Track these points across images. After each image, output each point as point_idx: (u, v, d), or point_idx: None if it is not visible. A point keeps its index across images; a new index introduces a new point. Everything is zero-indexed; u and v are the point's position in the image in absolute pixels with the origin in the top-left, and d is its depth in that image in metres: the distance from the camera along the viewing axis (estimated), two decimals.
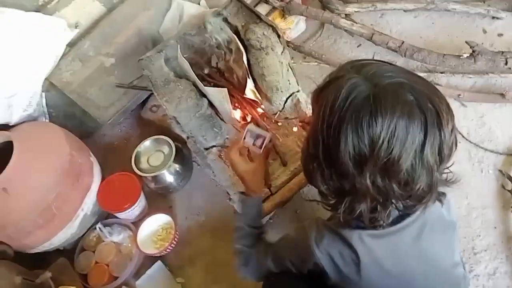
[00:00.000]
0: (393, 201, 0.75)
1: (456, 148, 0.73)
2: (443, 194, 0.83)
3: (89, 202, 1.61)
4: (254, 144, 1.12)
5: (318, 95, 0.76)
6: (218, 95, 1.46)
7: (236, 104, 1.59)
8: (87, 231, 1.67)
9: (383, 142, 0.66)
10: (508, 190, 1.48)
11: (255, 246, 1.13)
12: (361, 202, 0.74)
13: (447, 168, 0.77)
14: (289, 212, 1.62)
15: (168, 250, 1.59)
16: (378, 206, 0.75)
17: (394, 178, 0.70)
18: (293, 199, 1.59)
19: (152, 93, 1.97)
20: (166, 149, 1.75)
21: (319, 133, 0.73)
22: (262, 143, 1.12)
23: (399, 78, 0.69)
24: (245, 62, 1.54)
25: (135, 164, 1.71)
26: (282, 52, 1.53)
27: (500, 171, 1.53)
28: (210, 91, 1.47)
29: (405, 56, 1.79)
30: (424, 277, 0.86)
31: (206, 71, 1.63)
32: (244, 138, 1.13)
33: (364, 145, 0.67)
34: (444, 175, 0.78)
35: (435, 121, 0.67)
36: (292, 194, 1.56)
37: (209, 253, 1.62)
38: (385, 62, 0.76)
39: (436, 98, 0.69)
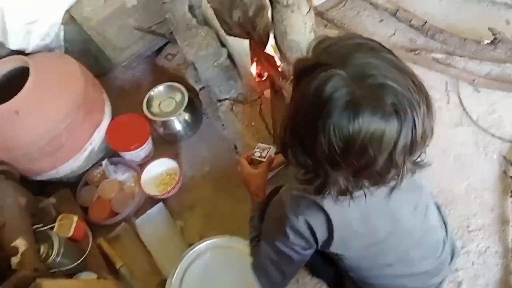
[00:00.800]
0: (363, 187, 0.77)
1: (431, 136, 0.71)
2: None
3: (98, 138, 1.63)
4: (260, 156, 1.24)
5: (300, 76, 0.72)
6: (239, 46, 1.46)
7: (255, 59, 1.59)
8: (92, 166, 1.69)
9: (358, 148, 0.66)
10: (510, 177, 1.51)
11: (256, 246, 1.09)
12: (334, 185, 0.75)
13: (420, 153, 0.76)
14: (291, 172, 1.64)
15: (170, 194, 1.62)
16: (349, 188, 0.76)
17: (366, 177, 0.72)
18: None
19: (169, 42, 1.97)
20: (178, 97, 1.75)
21: (296, 127, 0.73)
22: (267, 154, 1.24)
23: (383, 78, 0.66)
24: (269, 18, 1.54)
25: (147, 108, 1.72)
26: (308, 12, 1.52)
27: (504, 157, 1.56)
28: (232, 41, 1.47)
29: (426, 36, 1.79)
30: (392, 237, 0.88)
31: (228, 23, 1.63)
32: (254, 153, 1.26)
33: (340, 149, 0.67)
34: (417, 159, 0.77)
35: (410, 124, 0.66)
36: None
37: (210, 202, 1.65)
38: (370, 45, 0.71)
39: (415, 99, 0.67)
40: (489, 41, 1.69)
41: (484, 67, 1.76)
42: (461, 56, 1.77)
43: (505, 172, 1.53)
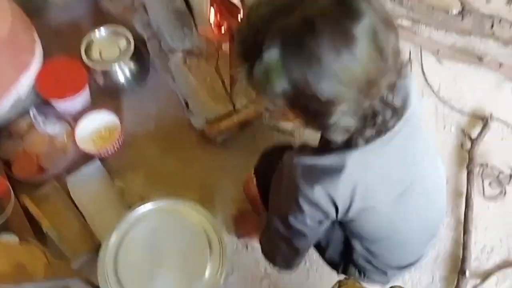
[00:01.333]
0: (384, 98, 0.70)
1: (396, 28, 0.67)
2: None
3: (25, 84, 1.41)
4: None
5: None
6: None
7: (215, 7, 1.43)
8: (18, 117, 1.46)
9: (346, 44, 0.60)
10: (466, 150, 1.50)
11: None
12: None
13: None
14: (247, 135, 1.53)
15: (109, 152, 1.45)
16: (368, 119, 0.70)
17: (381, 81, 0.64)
18: (255, 123, 1.52)
19: None
20: (123, 44, 1.55)
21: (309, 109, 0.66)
22: None
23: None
24: None
25: (85, 54, 1.51)
26: None
27: (462, 130, 1.54)
28: None
29: (394, 1, 1.71)
30: (413, 186, 0.83)
31: None
32: None
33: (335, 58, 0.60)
34: None
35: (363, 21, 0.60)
36: (257, 117, 1.47)
37: (153, 162, 1.51)
38: None
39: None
40: (457, 11, 1.64)
41: (449, 38, 1.72)
42: (427, 25, 1.71)
43: (461, 145, 1.52)
